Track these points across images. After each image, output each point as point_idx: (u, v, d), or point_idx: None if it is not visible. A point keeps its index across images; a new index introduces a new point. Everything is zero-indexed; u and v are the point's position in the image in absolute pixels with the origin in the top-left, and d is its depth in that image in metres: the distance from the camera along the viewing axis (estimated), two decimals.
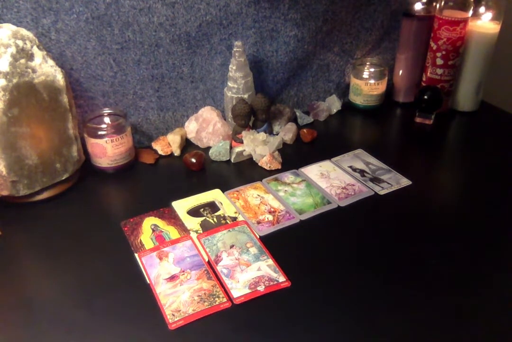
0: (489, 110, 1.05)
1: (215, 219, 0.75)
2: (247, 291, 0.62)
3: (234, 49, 0.87)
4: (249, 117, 0.88)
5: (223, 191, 0.81)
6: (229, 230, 0.72)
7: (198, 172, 0.86)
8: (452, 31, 0.93)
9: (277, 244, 0.70)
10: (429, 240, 0.70)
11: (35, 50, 0.71)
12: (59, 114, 0.76)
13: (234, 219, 0.75)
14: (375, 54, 1.06)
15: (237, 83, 0.90)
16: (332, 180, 0.83)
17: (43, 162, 0.76)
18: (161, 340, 0.57)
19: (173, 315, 0.59)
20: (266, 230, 0.72)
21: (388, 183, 0.82)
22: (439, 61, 0.97)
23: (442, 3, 0.93)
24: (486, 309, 0.60)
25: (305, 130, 0.95)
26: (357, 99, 1.03)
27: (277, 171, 0.86)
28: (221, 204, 0.78)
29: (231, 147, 0.90)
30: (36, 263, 0.68)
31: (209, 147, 0.91)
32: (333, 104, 1.04)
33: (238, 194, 0.80)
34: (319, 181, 0.83)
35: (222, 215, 0.75)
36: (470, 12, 0.93)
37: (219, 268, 0.65)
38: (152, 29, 0.83)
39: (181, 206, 0.77)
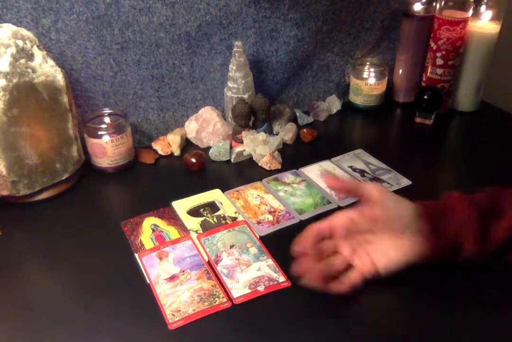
0: (489, 110, 1.05)
1: (215, 219, 0.75)
2: (247, 291, 0.62)
3: (234, 49, 0.87)
4: (249, 117, 0.88)
5: (223, 191, 0.81)
6: (229, 230, 0.72)
7: (198, 172, 0.86)
8: (452, 31, 0.93)
9: (277, 244, 0.69)
10: None
11: (35, 50, 0.71)
12: (59, 114, 0.76)
13: (234, 219, 0.75)
14: (375, 54, 1.06)
15: (237, 83, 0.90)
16: None
17: (43, 162, 0.76)
18: (161, 340, 0.57)
19: (173, 315, 0.59)
20: (266, 230, 0.72)
21: (388, 183, 0.82)
22: (439, 61, 0.97)
23: (442, 3, 0.93)
24: (485, 308, 0.60)
25: (305, 130, 0.95)
26: (357, 99, 1.03)
27: (277, 171, 0.86)
28: (221, 204, 0.78)
29: (231, 147, 0.90)
30: (36, 263, 0.68)
31: (209, 147, 0.91)
32: (333, 104, 1.04)
33: (238, 194, 0.80)
34: (319, 181, 0.83)
35: (222, 215, 0.75)
36: (470, 12, 0.93)
37: (219, 268, 0.65)
38: (152, 29, 0.83)
39: (181, 206, 0.77)
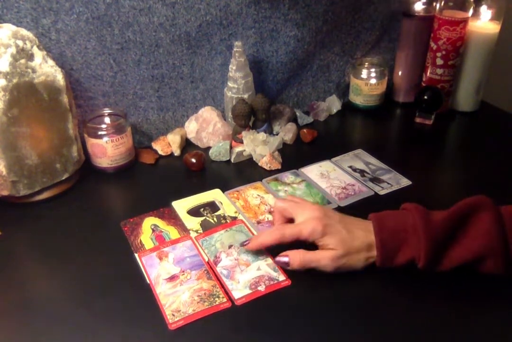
0: (489, 110, 1.05)
1: (215, 219, 0.75)
2: (248, 291, 0.62)
3: (234, 49, 0.87)
4: (249, 117, 0.88)
5: (223, 191, 0.81)
6: (226, 230, 0.72)
7: (198, 172, 0.86)
8: (452, 31, 0.93)
9: None
10: None
11: (35, 50, 0.71)
12: (59, 114, 0.76)
13: (234, 218, 0.75)
14: (375, 54, 1.06)
15: (237, 83, 0.90)
16: (332, 180, 0.83)
17: (43, 162, 0.76)
18: (161, 340, 0.57)
19: (173, 315, 0.59)
20: (266, 229, 0.72)
21: (388, 183, 0.82)
22: (439, 61, 0.97)
23: (442, 3, 0.93)
24: (484, 313, 0.60)
25: (305, 130, 0.95)
26: (357, 99, 1.03)
27: (277, 171, 0.86)
28: (221, 203, 0.78)
29: (231, 147, 0.90)
30: (36, 263, 0.68)
31: (209, 147, 0.91)
32: (333, 104, 1.04)
33: (238, 194, 0.80)
34: (319, 181, 0.83)
35: (222, 215, 0.75)
36: (470, 12, 0.93)
37: (218, 269, 0.65)
38: (152, 29, 0.83)
39: (181, 206, 0.77)
